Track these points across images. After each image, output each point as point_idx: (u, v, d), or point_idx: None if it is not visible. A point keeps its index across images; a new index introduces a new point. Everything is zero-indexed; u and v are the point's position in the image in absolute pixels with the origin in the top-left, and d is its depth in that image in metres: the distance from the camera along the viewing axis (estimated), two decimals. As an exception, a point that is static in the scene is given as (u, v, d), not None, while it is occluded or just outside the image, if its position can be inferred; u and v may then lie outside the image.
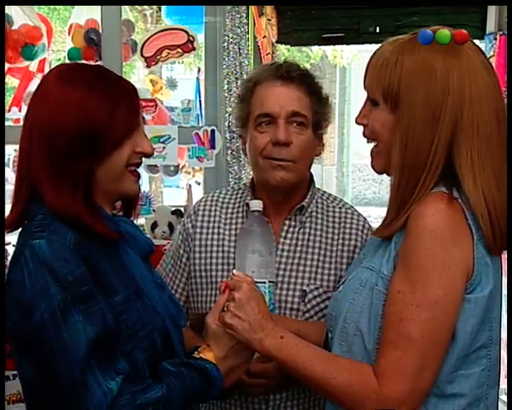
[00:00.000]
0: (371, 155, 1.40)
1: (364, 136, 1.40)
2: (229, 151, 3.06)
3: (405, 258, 1.25)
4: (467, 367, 1.27)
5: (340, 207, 1.80)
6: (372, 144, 1.39)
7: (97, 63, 3.11)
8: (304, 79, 1.70)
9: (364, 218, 1.81)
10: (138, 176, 1.43)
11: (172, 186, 9.94)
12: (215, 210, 1.80)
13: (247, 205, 1.72)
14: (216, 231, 1.78)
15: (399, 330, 1.22)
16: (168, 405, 1.27)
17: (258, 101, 1.70)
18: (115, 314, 1.29)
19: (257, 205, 1.61)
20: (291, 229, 1.74)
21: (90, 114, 1.30)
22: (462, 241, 1.23)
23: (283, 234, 1.74)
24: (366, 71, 1.36)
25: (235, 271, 1.47)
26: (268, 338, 1.33)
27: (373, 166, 1.40)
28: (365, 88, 1.37)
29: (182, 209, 3.36)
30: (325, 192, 1.85)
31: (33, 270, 1.23)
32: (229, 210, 1.80)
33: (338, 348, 1.36)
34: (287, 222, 1.74)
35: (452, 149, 1.27)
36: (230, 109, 3.04)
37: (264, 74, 1.72)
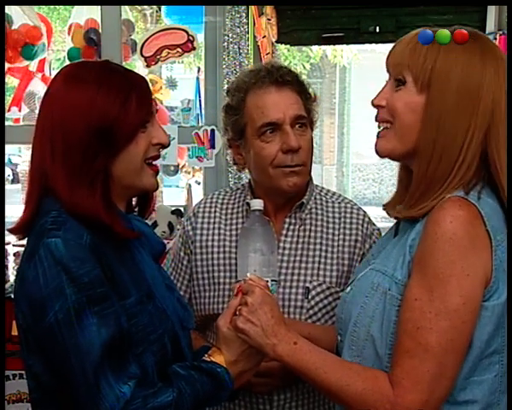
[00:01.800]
0: (378, 137, 1.36)
1: (377, 119, 1.36)
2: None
3: (422, 264, 1.22)
4: (479, 374, 1.25)
5: (339, 202, 1.79)
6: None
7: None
8: (294, 81, 1.70)
9: (364, 211, 1.80)
10: (157, 170, 1.40)
11: (172, 186, 9.94)
12: (215, 211, 1.80)
13: (248, 204, 1.72)
14: (216, 232, 1.78)
15: (416, 339, 1.20)
16: (179, 409, 1.26)
17: (256, 110, 1.67)
18: (127, 317, 1.27)
19: (257, 204, 1.60)
20: (291, 226, 1.74)
21: (101, 110, 1.29)
22: (481, 248, 1.21)
23: (284, 232, 1.74)
24: (392, 52, 1.33)
25: (249, 274, 1.45)
26: (281, 344, 1.31)
27: (377, 149, 1.36)
28: (389, 68, 1.34)
29: (181, 209, 3.36)
30: (323, 188, 1.84)
31: (48, 269, 1.21)
32: (229, 211, 1.80)
33: (348, 352, 1.34)
34: (287, 220, 1.74)
35: (489, 141, 1.26)
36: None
37: (253, 81, 1.69)
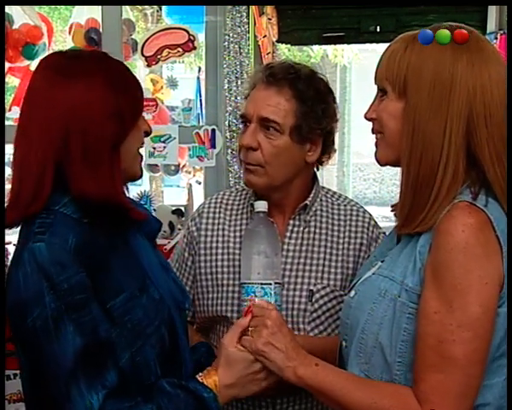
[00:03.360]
0: (376, 146, 1.37)
1: (373, 132, 1.37)
2: (230, 151, 3.06)
3: (438, 276, 1.21)
4: (490, 377, 1.24)
5: (345, 205, 1.77)
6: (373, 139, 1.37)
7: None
8: (288, 83, 1.64)
9: (370, 214, 1.78)
10: (142, 159, 1.43)
11: (173, 186, 9.94)
12: (219, 212, 1.79)
13: (252, 206, 1.71)
14: (221, 233, 1.76)
15: (440, 353, 1.18)
16: None
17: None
18: (119, 315, 1.27)
19: (262, 206, 1.60)
20: (295, 228, 1.73)
21: (112, 98, 1.29)
22: (493, 254, 1.19)
23: (288, 234, 1.72)
24: (377, 66, 1.34)
25: (257, 300, 1.44)
26: (302, 366, 1.30)
27: (377, 158, 1.37)
28: (375, 82, 1.35)
29: (182, 209, 3.36)
30: (329, 190, 1.82)
31: (30, 274, 1.21)
32: (234, 211, 1.79)
33: (355, 359, 1.33)
34: (291, 222, 1.73)
35: (472, 140, 1.24)
36: (231, 109, 3.04)
37: (257, 76, 1.70)
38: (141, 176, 1.44)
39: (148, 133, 1.42)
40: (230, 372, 1.34)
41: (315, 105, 1.64)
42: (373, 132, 1.37)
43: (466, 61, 1.24)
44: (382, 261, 1.39)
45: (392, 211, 1.45)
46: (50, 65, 1.34)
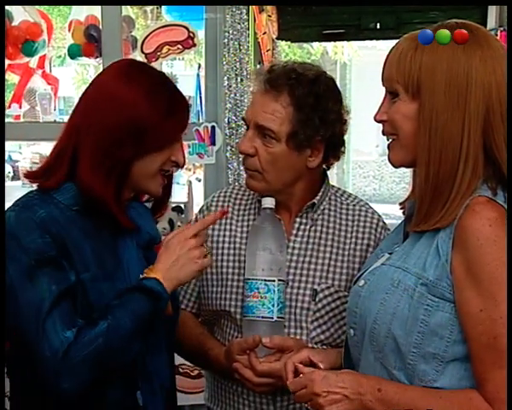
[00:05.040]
0: (388, 149, 1.37)
1: (383, 133, 1.36)
2: (229, 147, 3.05)
3: (474, 274, 1.21)
4: None
5: (354, 205, 1.76)
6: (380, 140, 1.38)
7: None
8: (287, 89, 1.61)
9: (379, 215, 1.77)
10: (167, 182, 1.54)
11: (173, 183, 9.93)
12: (227, 206, 1.79)
13: (260, 202, 1.70)
14: (228, 227, 1.76)
15: (498, 348, 1.18)
16: (118, 331, 1.34)
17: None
18: (79, 290, 1.37)
19: (269, 202, 1.60)
20: (302, 226, 1.72)
21: (144, 112, 1.41)
22: None
23: (294, 232, 1.71)
24: (384, 66, 1.34)
25: (304, 366, 1.42)
26: (367, 395, 1.27)
27: (390, 161, 1.37)
28: (384, 83, 1.34)
29: (182, 206, 3.36)
30: (339, 189, 1.81)
31: (4, 237, 1.37)
32: (242, 207, 1.79)
33: (370, 347, 1.33)
34: (298, 220, 1.72)
35: (488, 137, 1.25)
36: (230, 105, 3.03)
37: (259, 77, 1.67)
38: (158, 196, 1.55)
39: (179, 165, 1.52)
40: (166, 255, 1.43)
41: (312, 113, 1.61)
42: (383, 134, 1.37)
43: (479, 58, 1.24)
44: (390, 253, 1.39)
45: (400, 209, 1.45)
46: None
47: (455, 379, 1.26)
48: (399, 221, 1.47)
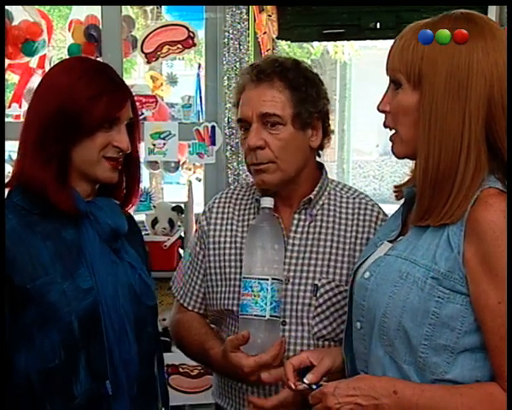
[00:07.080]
0: (391, 140, 1.36)
1: (385, 126, 1.36)
2: (229, 147, 3.05)
3: (490, 266, 1.20)
4: None
5: (353, 198, 1.77)
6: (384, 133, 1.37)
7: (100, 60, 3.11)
8: (277, 75, 1.66)
9: (379, 207, 1.78)
10: (116, 166, 1.55)
11: (173, 183, 9.92)
12: (228, 207, 1.80)
13: (258, 201, 1.71)
14: (229, 228, 1.78)
15: None
16: None
17: (239, 107, 1.71)
18: (38, 296, 1.42)
19: (267, 202, 1.61)
20: (301, 223, 1.73)
21: (75, 96, 1.46)
22: None
23: (293, 228, 1.72)
24: (388, 55, 1.34)
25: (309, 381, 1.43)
26: (382, 399, 1.26)
27: (394, 152, 1.37)
28: (387, 72, 1.34)
29: (182, 206, 3.36)
30: (339, 183, 1.82)
31: (4, 237, 1.42)
32: (242, 206, 1.80)
33: (379, 341, 1.33)
34: (296, 216, 1.73)
35: (491, 130, 1.24)
36: (230, 105, 3.03)
37: (244, 78, 1.71)
38: (111, 181, 1.56)
39: (122, 150, 1.53)
40: None
41: (308, 89, 1.67)
42: (385, 126, 1.36)
43: (481, 50, 1.24)
44: (390, 241, 1.38)
45: (394, 191, 1.45)
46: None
47: (466, 370, 1.26)
48: (400, 221, 1.47)
